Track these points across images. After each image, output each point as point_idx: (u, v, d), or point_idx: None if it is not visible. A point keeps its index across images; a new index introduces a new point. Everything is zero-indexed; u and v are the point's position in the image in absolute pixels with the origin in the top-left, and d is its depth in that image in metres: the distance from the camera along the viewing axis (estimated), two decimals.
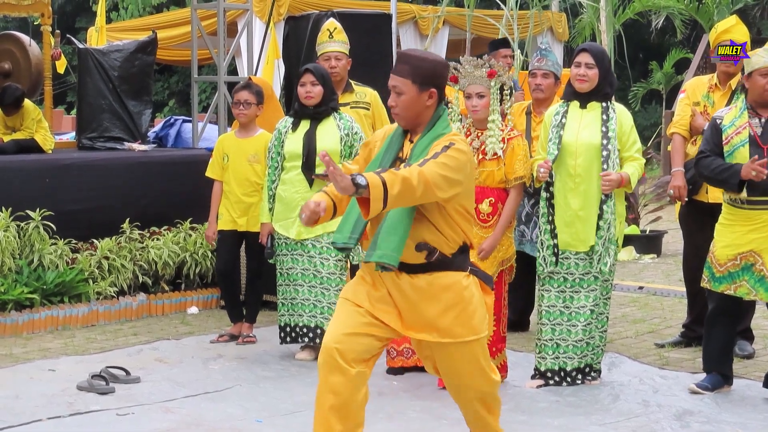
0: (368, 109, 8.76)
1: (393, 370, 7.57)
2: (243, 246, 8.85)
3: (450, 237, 5.11)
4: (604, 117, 7.13)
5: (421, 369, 7.51)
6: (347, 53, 8.65)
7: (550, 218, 7.22)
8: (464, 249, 5.19)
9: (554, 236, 7.20)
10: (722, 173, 6.90)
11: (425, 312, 5.11)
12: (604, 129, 7.09)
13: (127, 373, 7.45)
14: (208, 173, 8.79)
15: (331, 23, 8.79)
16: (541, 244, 7.26)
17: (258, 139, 8.57)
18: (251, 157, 8.52)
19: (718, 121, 7.06)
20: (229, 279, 8.85)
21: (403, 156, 5.18)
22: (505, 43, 11.07)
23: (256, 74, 12.15)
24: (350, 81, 8.76)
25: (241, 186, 8.60)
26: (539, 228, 7.33)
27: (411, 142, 5.20)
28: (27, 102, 10.75)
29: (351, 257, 7.89)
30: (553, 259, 7.19)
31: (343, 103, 8.53)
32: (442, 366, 5.30)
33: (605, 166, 7.04)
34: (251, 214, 8.55)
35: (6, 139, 10.59)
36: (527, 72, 8.79)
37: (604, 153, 7.05)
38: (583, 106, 7.20)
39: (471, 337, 5.16)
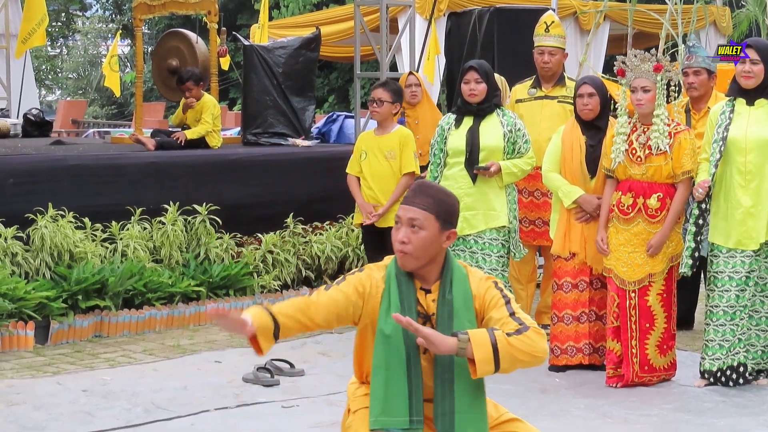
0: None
1: (555, 368, 7.53)
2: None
3: None
4: None
5: (585, 367, 7.48)
6: (563, 48, 8.62)
7: (704, 227, 7.10)
8: None
9: (698, 243, 7.06)
10: None
11: None
12: None
13: (292, 366, 7.55)
14: (348, 169, 8.92)
15: (549, 16, 8.75)
16: (692, 250, 7.09)
17: (394, 135, 8.71)
18: (388, 153, 8.64)
19: None
20: None
21: (426, 312, 4.27)
22: None
23: (418, 70, 12.19)
24: (564, 75, 8.74)
25: (377, 181, 8.71)
26: (688, 231, 7.17)
27: (425, 291, 4.31)
28: (207, 96, 10.97)
29: (513, 254, 7.86)
30: (689, 262, 7.06)
31: (551, 96, 8.60)
32: None
33: None
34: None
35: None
36: None
37: None
38: (750, 103, 7.04)
39: None
